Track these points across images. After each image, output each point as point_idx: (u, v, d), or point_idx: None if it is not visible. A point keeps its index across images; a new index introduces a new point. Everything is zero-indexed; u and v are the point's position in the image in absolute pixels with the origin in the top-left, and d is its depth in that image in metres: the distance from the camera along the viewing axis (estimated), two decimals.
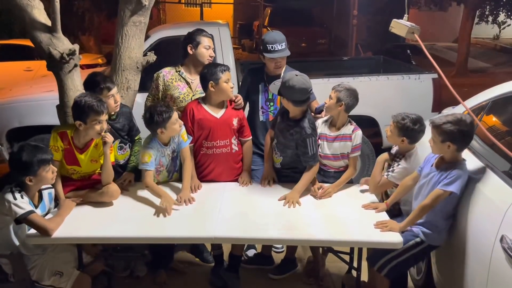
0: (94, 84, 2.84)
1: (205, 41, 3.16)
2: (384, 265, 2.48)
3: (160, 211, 2.59)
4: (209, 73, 2.86)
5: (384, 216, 2.54)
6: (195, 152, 2.98)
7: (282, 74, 3.12)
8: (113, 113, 2.94)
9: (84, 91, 2.90)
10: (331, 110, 2.85)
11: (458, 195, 2.32)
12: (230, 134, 2.99)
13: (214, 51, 3.35)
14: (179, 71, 3.21)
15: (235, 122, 2.99)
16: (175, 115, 2.78)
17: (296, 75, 2.72)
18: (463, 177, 2.32)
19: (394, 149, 2.77)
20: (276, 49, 3.05)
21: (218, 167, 3.01)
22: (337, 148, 2.87)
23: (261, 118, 3.22)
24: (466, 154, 2.65)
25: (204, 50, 3.16)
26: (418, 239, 2.44)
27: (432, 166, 2.45)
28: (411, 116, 2.59)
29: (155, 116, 2.73)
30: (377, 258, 2.50)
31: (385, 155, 2.75)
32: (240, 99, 3.06)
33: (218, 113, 2.95)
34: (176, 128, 2.80)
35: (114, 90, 2.88)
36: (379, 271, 2.50)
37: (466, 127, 2.31)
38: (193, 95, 3.18)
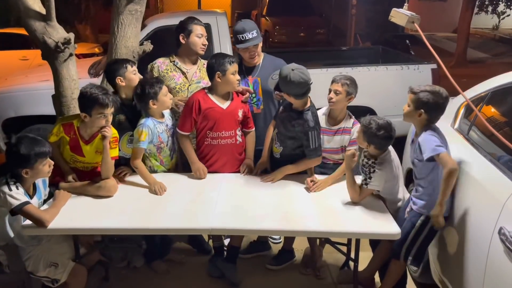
0: (117, 63, 2.86)
1: (197, 29, 3.11)
2: (406, 256, 2.52)
3: (155, 192, 2.67)
4: (217, 63, 2.82)
5: (383, 209, 2.53)
6: (198, 142, 2.97)
7: (260, 63, 3.13)
8: (133, 99, 2.90)
9: (77, 80, 2.87)
10: (340, 103, 2.80)
11: (446, 151, 2.33)
12: (235, 126, 2.97)
13: (210, 40, 3.31)
14: (174, 61, 3.17)
15: (240, 113, 2.98)
16: (165, 88, 2.83)
17: (293, 69, 2.66)
18: (438, 135, 2.36)
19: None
20: (246, 38, 3.03)
21: (222, 158, 2.98)
22: (337, 142, 2.85)
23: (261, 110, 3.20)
24: (465, 146, 2.64)
25: (197, 39, 3.11)
26: (423, 217, 2.45)
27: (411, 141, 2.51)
28: (378, 121, 2.52)
29: (147, 88, 2.76)
30: (398, 251, 2.53)
31: (349, 160, 2.60)
32: (247, 95, 3.04)
33: (224, 104, 2.92)
34: (167, 101, 2.84)
35: (135, 67, 2.92)
36: (405, 260, 2.55)
37: (441, 99, 2.38)
38: (189, 85, 3.15)
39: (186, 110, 2.89)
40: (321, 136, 2.86)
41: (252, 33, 3.02)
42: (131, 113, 2.89)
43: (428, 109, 2.38)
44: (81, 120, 2.63)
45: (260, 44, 3.12)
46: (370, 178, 2.56)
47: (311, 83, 2.70)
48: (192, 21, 3.14)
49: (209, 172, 2.95)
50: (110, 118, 2.62)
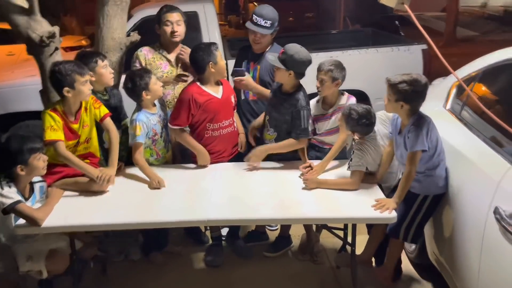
0: (86, 57, 2.79)
1: (165, 17, 3.07)
2: (406, 234, 2.54)
3: (154, 188, 2.64)
4: (206, 54, 2.78)
5: (379, 193, 2.53)
6: (197, 135, 2.90)
7: (266, 53, 3.10)
8: (105, 93, 2.89)
9: None
10: (327, 90, 2.81)
11: (428, 149, 2.34)
12: (232, 112, 2.97)
13: (198, 28, 3.27)
14: (159, 49, 3.15)
15: (233, 99, 2.97)
16: (154, 76, 2.81)
17: (301, 47, 2.71)
18: (424, 130, 2.33)
19: None
20: (258, 22, 3.01)
21: (223, 147, 2.97)
22: (334, 122, 2.85)
23: (243, 96, 3.20)
24: (458, 126, 2.64)
25: (165, 27, 3.09)
26: (421, 197, 2.47)
27: (398, 131, 2.49)
28: (358, 110, 2.54)
29: (137, 80, 2.73)
30: (396, 230, 2.54)
31: (312, 177, 2.64)
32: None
33: (219, 93, 2.89)
34: (159, 89, 2.82)
35: (107, 61, 2.85)
36: (404, 240, 2.58)
37: (420, 87, 2.34)
38: (176, 72, 3.14)
39: (181, 106, 2.81)
40: (320, 123, 2.87)
41: (266, 22, 3.01)
42: (106, 106, 2.83)
43: (408, 100, 2.35)
44: (62, 103, 2.57)
45: (269, 37, 3.09)
46: (351, 160, 2.60)
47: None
48: (162, 9, 3.12)
49: (212, 163, 2.93)
50: (89, 85, 2.57)
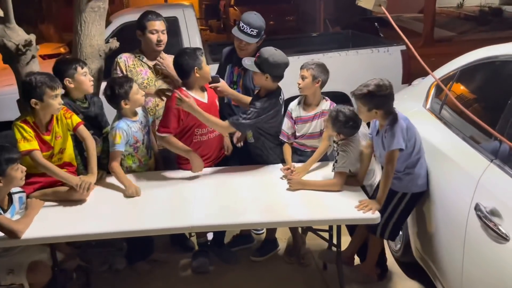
0: (66, 64, 2.76)
1: (151, 25, 3.03)
2: (383, 231, 2.57)
3: (130, 196, 2.60)
4: (191, 59, 2.74)
5: (362, 195, 2.55)
6: (185, 141, 2.85)
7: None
8: (85, 101, 2.86)
9: None
10: (308, 89, 2.81)
11: (406, 147, 2.38)
12: (218, 116, 2.94)
13: (178, 34, 3.24)
14: (139, 56, 3.12)
15: (217, 102, 2.97)
16: (135, 85, 2.76)
17: (276, 50, 2.71)
18: (400, 129, 2.37)
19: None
20: (244, 30, 3.01)
21: (210, 152, 2.95)
22: (316, 126, 2.86)
23: (225, 99, 3.19)
24: (438, 125, 2.68)
25: (151, 35, 3.04)
26: (399, 194, 2.50)
27: (376, 132, 2.53)
28: (345, 113, 2.57)
29: (116, 89, 2.69)
30: (374, 227, 2.58)
31: (296, 178, 2.66)
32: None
33: (204, 98, 2.87)
34: (139, 99, 2.78)
35: (87, 68, 2.82)
36: (381, 236, 2.61)
37: (385, 90, 2.39)
38: (155, 80, 3.11)
39: (170, 112, 2.75)
40: (301, 125, 2.87)
41: (252, 30, 2.99)
42: (85, 114, 2.81)
43: (379, 106, 2.40)
44: (32, 114, 2.53)
45: (254, 45, 3.07)
46: (336, 161, 2.62)
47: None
48: (146, 16, 3.07)
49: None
50: (60, 99, 2.53)
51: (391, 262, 2.98)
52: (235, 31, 3.06)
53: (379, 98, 2.37)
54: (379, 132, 2.50)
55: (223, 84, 3.01)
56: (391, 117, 2.42)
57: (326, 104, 2.87)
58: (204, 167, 2.87)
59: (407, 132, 2.40)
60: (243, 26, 3.01)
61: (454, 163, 2.33)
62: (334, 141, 2.72)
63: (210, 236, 3.22)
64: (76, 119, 2.67)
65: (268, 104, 2.75)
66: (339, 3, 12.05)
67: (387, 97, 2.40)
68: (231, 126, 2.74)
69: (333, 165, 2.65)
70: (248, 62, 2.78)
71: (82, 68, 2.77)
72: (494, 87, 2.52)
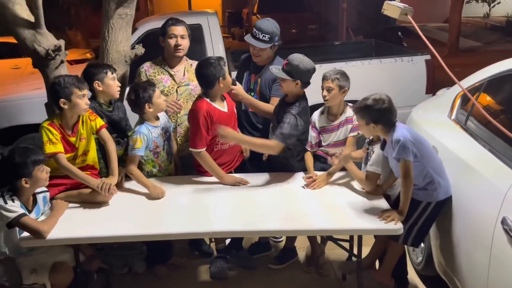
0: (97, 67, 2.87)
1: (170, 30, 3.07)
2: (406, 237, 2.51)
3: (155, 198, 2.65)
4: (216, 70, 2.73)
5: (385, 205, 2.51)
6: (207, 150, 2.82)
7: (269, 65, 3.06)
8: (110, 105, 2.93)
9: None
10: (335, 99, 2.80)
11: (414, 159, 2.32)
12: (236, 123, 2.97)
13: (202, 41, 3.26)
14: (161, 64, 3.15)
15: (235, 110, 2.98)
16: (158, 90, 2.82)
17: (304, 56, 2.76)
18: (404, 140, 2.31)
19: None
20: (256, 36, 3.03)
21: (231, 158, 2.98)
22: (341, 134, 2.86)
23: (243, 107, 3.20)
24: (464, 137, 2.63)
25: (169, 40, 3.08)
26: (423, 204, 2.46)
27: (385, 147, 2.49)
28: (371, 97, 2.45)
29: (141, 93, 2.74)
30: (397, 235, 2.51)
31: (347, 153, 2.67)
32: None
33: (225, 107, 2.89)
34: (162, 103, 2.83)
35: (115, 74, 2.92)
36: (405, 243, 2.56)
37: (384, 104, 2.37)
38: (178, 87, 3.14)
39: (198, 126, 2.74)
40: (326, 135, 2.86)
41: (264, 36, 3.01)
42: (109, 118, 2.88)
43: (377, 120, 2.38)
44: (59, 117, 2.61)
45: (269, 51, 3.08)
46: (370, 160, 2.59)
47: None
48: (167, 22, 3.11)
49: None
50: (87, 100, 2.61)
51: (412, 275, 2.92)
52: (247, 37, 3.08)
53: (376, 112, 2.37)
54: (386, 147, 2.47)
55: (238, 87, 3.00)
56: (394, 130, 2.38)
57: (350, 111, 2.85)
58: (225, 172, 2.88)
59: (413, 143, 2.35)
60: (255, 32, 3.04)
61: (480, 175, 2.28)
62: (366, 142, 2.68)
63: (227, 241, 3.22)
64: (100, 121, 2.73)
65: (301, 108, 2.77)
66: (362, 12, 12.00)
67: (385, 111, 2.38)
68: (280, 141, 2.69)
69: (364, 163, 2.62)
70: (276, 70, 2.80)
71: (112, 73, 2.87)
72: None
